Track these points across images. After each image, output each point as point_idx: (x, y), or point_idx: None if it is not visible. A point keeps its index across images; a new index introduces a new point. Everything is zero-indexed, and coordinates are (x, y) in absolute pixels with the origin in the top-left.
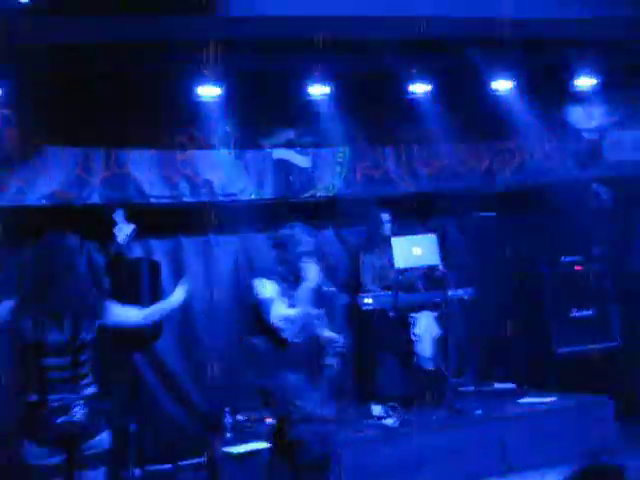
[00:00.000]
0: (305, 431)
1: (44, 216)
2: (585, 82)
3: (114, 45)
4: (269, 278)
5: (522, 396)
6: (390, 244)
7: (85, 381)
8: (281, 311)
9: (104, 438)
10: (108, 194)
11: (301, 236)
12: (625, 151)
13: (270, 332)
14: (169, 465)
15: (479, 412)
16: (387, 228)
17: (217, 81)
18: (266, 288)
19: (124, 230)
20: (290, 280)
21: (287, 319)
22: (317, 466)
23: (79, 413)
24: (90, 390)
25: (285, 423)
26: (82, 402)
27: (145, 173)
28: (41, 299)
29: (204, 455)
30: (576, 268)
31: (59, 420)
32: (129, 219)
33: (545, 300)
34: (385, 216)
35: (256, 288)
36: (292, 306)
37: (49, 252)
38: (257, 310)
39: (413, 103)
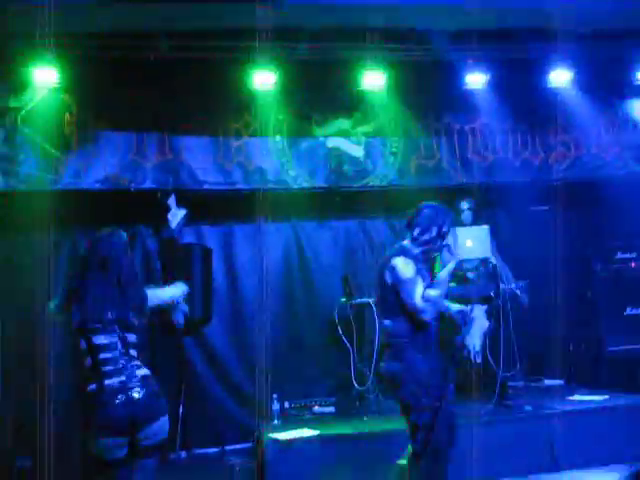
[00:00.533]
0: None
1: (98, 200)
2: None
3: (171, 31)
4: (407, 257)
5: (571, 393)
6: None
7: (136, 362)
8: (428, 292)
9: (165, 422)
10: (161, 179)
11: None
12: None
13: (408, 313)
14: (215, 449)
15: (528, 408)
16: (467, 216)
17: (272, 69)
18: (409, 268)
19: (177, 215)
20: (421, 260)
21: (430, 300)
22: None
23: (138, 392)
24: (143, 371)
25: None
26: (139, 382)
27: (199, 159)
28: (89, 285)
29: (251, 440)
30: (631, 265)
31: (118, 400)
32: (182, 204)
33: (598, 297)
34: (464, 204)
35: (397, 267)
36: (429, 287)
37: (100, 247)
38: (394, 290)
39: (468, 93)
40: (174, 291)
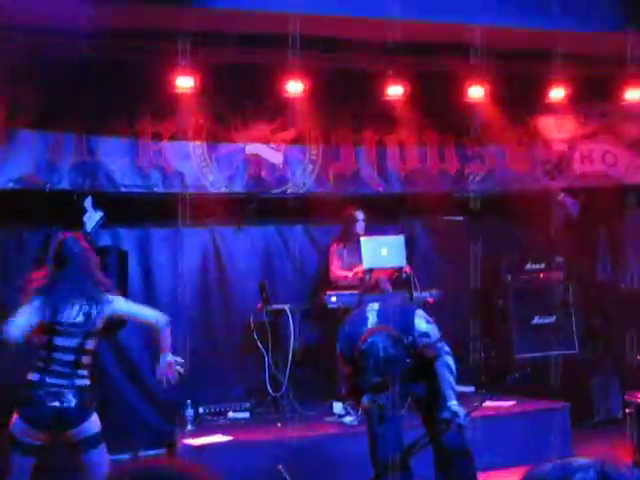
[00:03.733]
0: None
1: (12, 200)
2: (557, 93)
3: (91, 31)
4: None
5: (482, 399)
6: (359, 243)
7: (83, 372)
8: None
9: (91, 424)
10: (78, 181)
11: None
12: (594, 163)
13: None
14: (128, 455)
15: None
16: (361, 226)
17: (193, 72)
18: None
19: (93, 218)
20: None
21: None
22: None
23: (71, 402)
24: (85, 381)
25: None
26: (75, 391)
27: (117, 161)
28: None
29: (165, 446)
30: (540, 276)
31: (51, 404)
32: (98, 207)
33: (508, 306)
34: (359, 214)
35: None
36: None
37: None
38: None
39: (387, 104)
40: (155, 316)
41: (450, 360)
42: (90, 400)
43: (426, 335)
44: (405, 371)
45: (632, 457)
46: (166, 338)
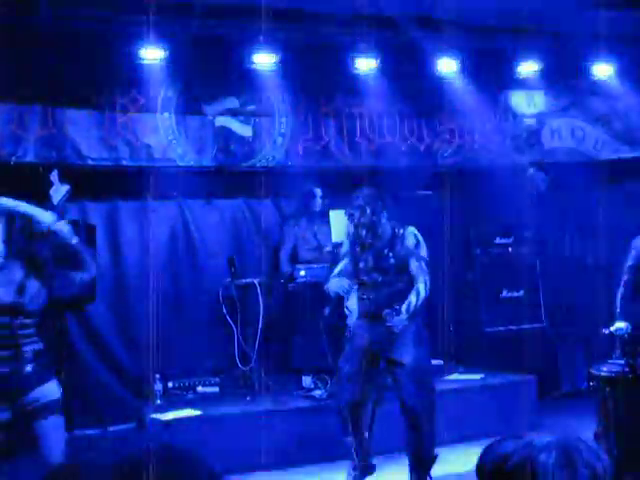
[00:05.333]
0: None
1: None
2: (527, 68)
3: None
4: None
5: (450, 373)
6: (316, 219)
7: (30, 332)
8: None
9: (49, 388)
10: (44, 153)
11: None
12: (563, 138)
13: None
14: (97, 430)
15: None
16: (318, 204)
17: (161, 44)
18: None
19: (60, 191)
20: None
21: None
22: None
23: (25, 365)
24: (36, 346)
25: None
26: (28, 355)
27: (83, 134)
28: None
29: (133, 421)
30: (508, 250)
31: (2, 370)
32: (65, 180)
33: (476, 280)
34: (317, 191)
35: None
36: None
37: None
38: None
39: (358, 78)
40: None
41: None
42: (46, 364)
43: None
44: None
45: (594, 428)
46: None
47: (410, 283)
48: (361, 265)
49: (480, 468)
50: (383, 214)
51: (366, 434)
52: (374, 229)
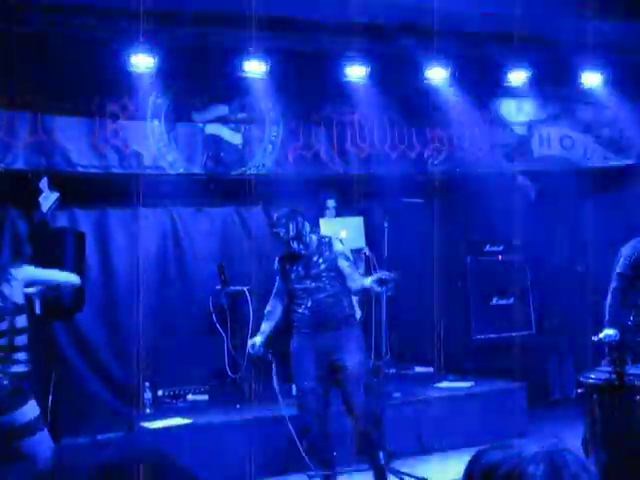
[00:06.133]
0: None
1: None
2: (517, 76)
3: (46, 5)
4: None
5: (440, 380)
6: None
7: (18, 356)
8: None
9: (23, 412)
10: (33, 160)
11: None
12: (552, 147)
13: None
14: (87, 438)
15: (397, 394)
16: (332, 214)
17: (152, 52)
18: None
19: (49, 198)
20: None
21: None
22: None
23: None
24: (20, 368)
25: None
26: (7, 381)
27: (73, 141)
28: None
29: (123, 430)
30: (498, 258)
31: None
32: (54, 187)
33: (467, 287)
34: (331, 202)
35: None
36: None
37: None
38: None
39: (348, 85)
40: (65, 277)
41: None
42: (26, 388)
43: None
44: None
45: (582, 436)
46: None
47: (343, 286)
48: (292, 276)
49: (468, 477)
50: (305, 226)
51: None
52: (302, 240)
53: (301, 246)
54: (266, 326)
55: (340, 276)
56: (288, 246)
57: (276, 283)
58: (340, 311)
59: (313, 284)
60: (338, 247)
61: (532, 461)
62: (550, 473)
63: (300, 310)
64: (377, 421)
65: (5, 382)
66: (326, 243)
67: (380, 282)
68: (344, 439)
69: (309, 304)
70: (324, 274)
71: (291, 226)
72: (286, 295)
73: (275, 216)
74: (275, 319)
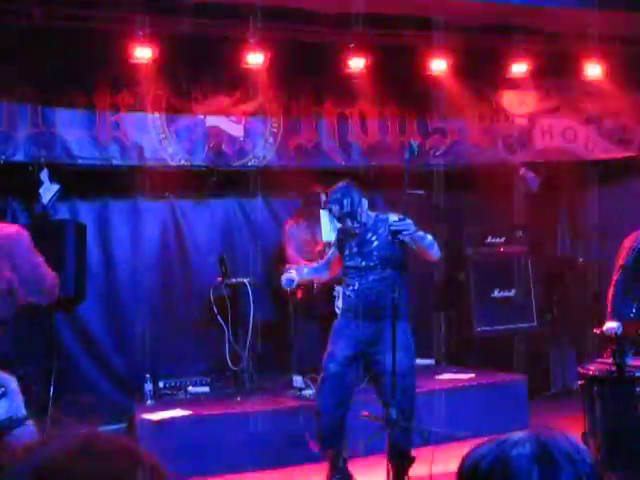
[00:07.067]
0: None
1: None
2: (519, 68)
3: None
4: None
5: (441, 372)
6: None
7: None
8: None
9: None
10: (34, 152)
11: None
12: (554, 138)
13: None
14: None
15: None
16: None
17: (152, 43)
18: None
19: (50, 190)
20: None
21: None
22: None
23: None
24: None
25: None
26: None
27: (74, 133)
28: None
29: (124, 421)
30: (500, 249)
31: None
32: (55, 179)
33: (468, 279)
34: (323, 196)
35: None
36: None
37: None
38: None
39: (349, 77)
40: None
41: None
42: None
43: None
44: None
45: (583, 428)
46: None
47: (397, 272)
48: (346, 252)
49: (458, 474)
50: (362, 202)
51: (344, 442)
52: (356, 217)
53: (355, 224)
54: (306, 267)
55: (395, 259)
56: (342, 223)
57: (330, 252)
58: (387, 300)
59: (364, 262)
60: (395, 218)
61: (516, 444)
62: (539, 452)
63: (347, 292)
64: (408, 422)
65: None
66: (383, 220)
67: (395, 233)
68: (356, 433)
69: (356, 286)
70: (375, 253)
71: (345, 202)
72: (334, 266)
73: (330, 191)
74: (316, 267)
